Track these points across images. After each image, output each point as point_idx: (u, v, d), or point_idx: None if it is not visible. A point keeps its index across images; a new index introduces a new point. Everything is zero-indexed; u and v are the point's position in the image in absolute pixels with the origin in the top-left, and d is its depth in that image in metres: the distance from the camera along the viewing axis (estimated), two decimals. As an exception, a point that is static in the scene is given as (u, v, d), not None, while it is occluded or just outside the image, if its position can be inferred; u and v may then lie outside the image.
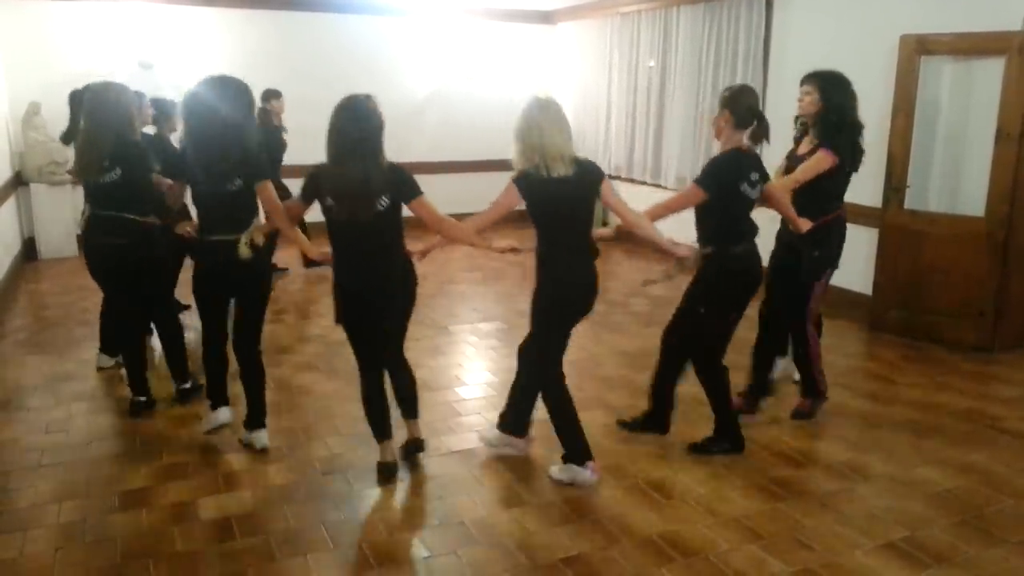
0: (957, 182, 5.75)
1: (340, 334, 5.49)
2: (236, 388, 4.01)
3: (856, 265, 6.34)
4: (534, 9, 10.25)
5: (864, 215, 6.16)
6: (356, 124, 3.27)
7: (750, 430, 4.15)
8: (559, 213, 3.40)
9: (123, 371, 4.57)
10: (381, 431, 3.62)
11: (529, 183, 3.34)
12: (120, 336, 4.60)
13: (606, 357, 5.30)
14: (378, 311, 3.49)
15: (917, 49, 5.49)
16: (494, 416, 4.31)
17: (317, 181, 3.37)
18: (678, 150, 8.33)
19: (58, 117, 7.82)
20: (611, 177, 9.57)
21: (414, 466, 3.75)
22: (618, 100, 9.36)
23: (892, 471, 3.75)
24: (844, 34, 6.34)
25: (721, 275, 3.73)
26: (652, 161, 8.83)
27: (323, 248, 3.54)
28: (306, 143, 8.61)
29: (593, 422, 4.24)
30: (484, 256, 8.21)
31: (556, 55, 10.56)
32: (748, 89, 3.90)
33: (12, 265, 7.15)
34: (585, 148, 10.12)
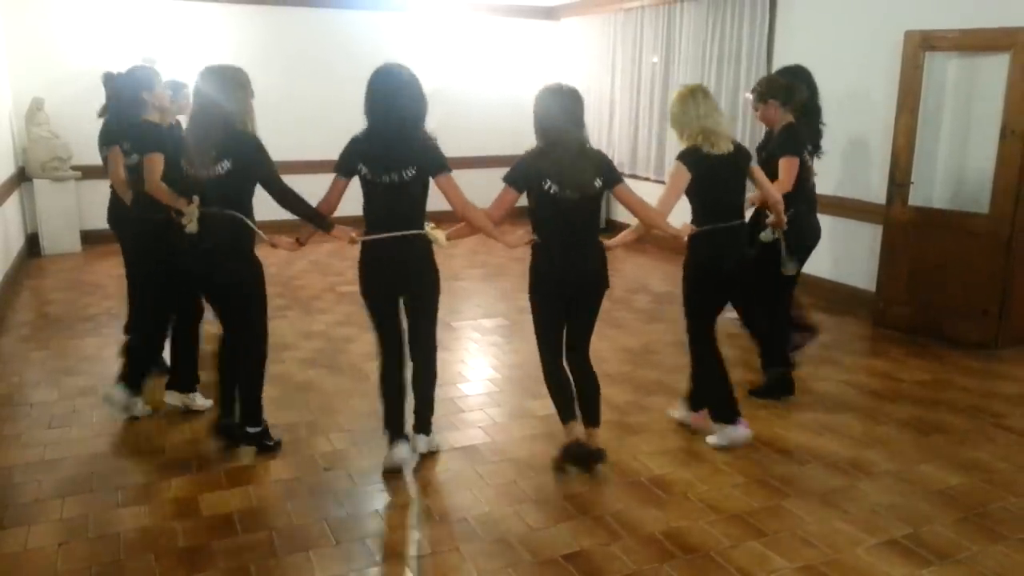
0: (961, 179, 5.73)
1: (344, 330, 5.51)
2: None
3: (860, 262, 6.34)
4: (538, 5, 10.24)
5: (868, 212, 6.16)
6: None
7: (752, 427, 4.15)
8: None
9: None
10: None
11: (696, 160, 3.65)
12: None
13: (609, 353, 5.29)
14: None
15: (921, 45, 5.47)
16: (496, 412, 4.32)
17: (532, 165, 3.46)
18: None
19: (61, 112, 7.90)
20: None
21: (416, 463, 3.75)
22: (622, 96, 9.35)
23: (895, 468, 3.74)
24: (848, 30, 6.32)
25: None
26: (655, 157, 8.82)
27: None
28: (313, 136, 8.65)
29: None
30: (487, 252, 8.20)
31: (560, 51, 10.54)
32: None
33: (15, 261, 7.16)
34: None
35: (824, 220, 6.38)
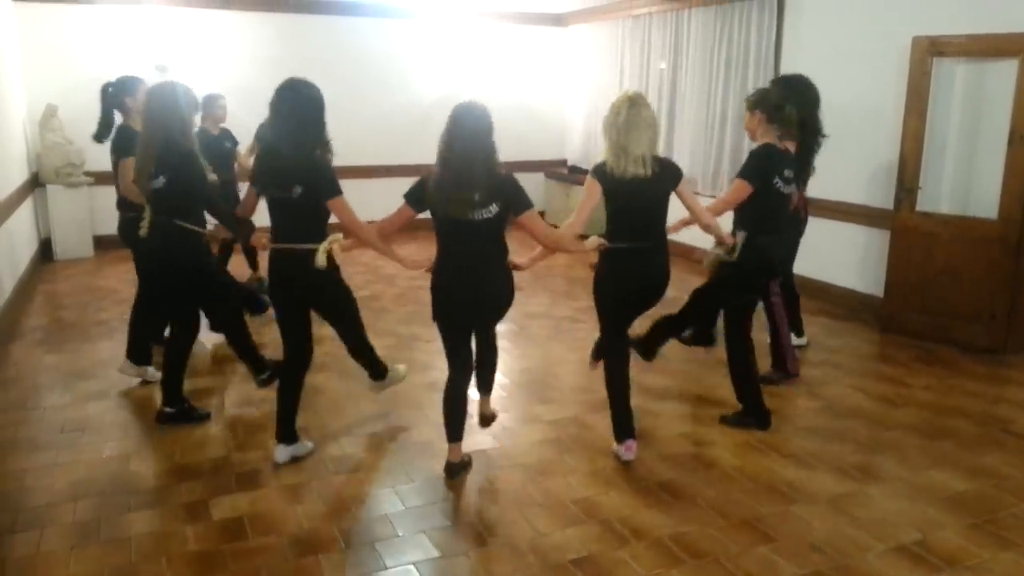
0: (969, 184, 5.72)
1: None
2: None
3: (868, 267, 6.34)
4: (546, 11, 10.27)
5: (876, 217, 6.15)
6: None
7: (761, 433, 4.16)
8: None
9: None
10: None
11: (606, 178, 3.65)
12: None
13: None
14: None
15: (929, 50, 5.47)
16: (505, 417, 4.34)
17: None
18: (689, 152, 8.32)
19: (75, 119, 7.97)
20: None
21: (423, 467, 3.77)
22: (630, 102, 9.35)
23: (903, 474, 3.74)
24: (856, 36, 6.32)
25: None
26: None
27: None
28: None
29: (602, 423, 4.25)
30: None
31: (568, 57, 10.57)
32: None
33: (28, 266, 7.22)
34: (598, 150, 10.14)
35: (832, 225, 6.45)
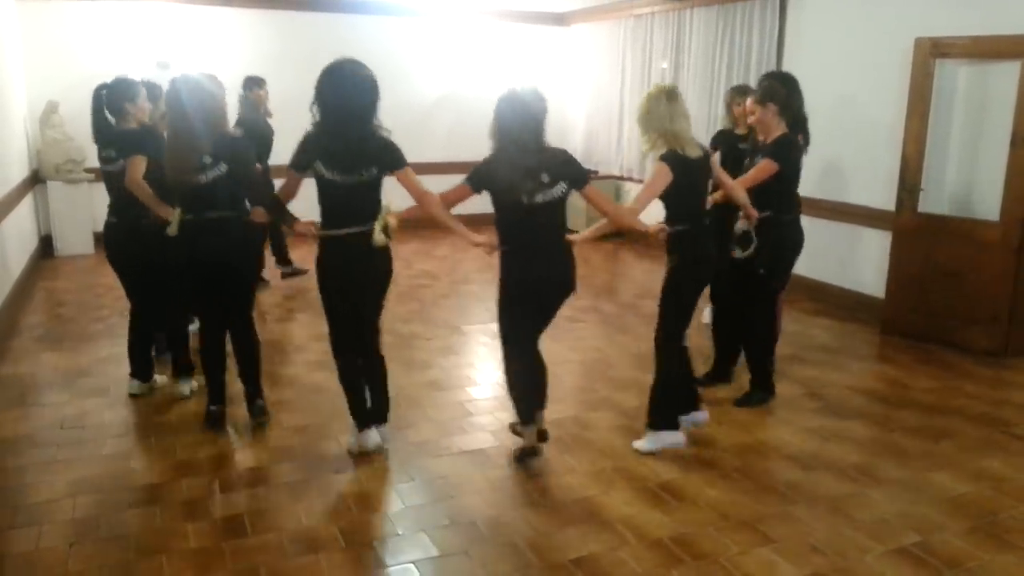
0: (971, 186, 5.72)
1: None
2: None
3: (869, 268, 6.33)
4: (547, 11, 10.26)
5: (877, 218, 6.15)
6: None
7: (761, 434, 4.16)
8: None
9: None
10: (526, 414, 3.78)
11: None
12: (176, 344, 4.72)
13: (617, 358, 5.30)
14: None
15: (932, 52, 5.46)
16: (505, 416, 4.33)
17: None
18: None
19: (76, 115, 7.93)
20: (623, 178, 9.59)
21: (423, 466, 3.77)
22: (631, 102, 9.34)
23: (904, 475, 3.73)
24: (858, 36, 6.32)
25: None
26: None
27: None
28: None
29: (602, 423, 4.26)
30: (495, 257, 8.22)
31: (569, 57, 10.57)
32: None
33: (29, 262, 7.22)
34: (598, 149, 10.13)
35: (833, 226, 6.44)
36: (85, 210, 8.17)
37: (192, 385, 4.56)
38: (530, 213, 3.46)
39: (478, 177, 3.52)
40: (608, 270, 7.97)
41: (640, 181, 9.10)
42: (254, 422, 4.14)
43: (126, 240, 4.36)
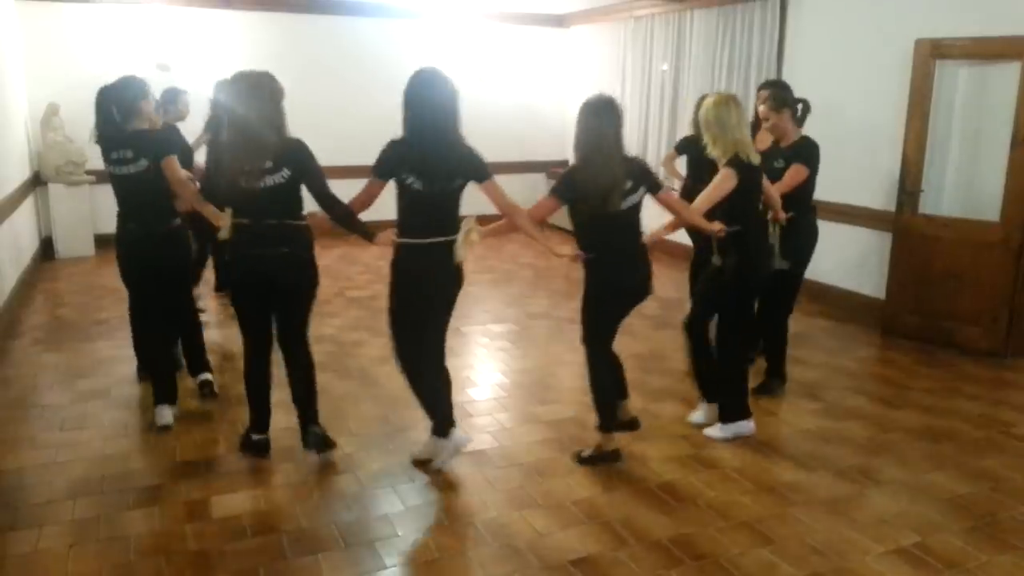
0: (972, 187, 5.72)
1: (353, 334, 5.54)
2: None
3: (869, 269, 6.33)
4: (548, 12, 10.26)
5: (878, 219, 6.15)
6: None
7: (761, 434, 4.16)
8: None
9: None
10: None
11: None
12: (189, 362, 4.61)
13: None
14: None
15: (932, 53, 5.47)
16: (505, 417, 4.34)
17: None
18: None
19: (77, 118, 7.96)
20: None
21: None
22: (631, 104, 9.34)
23: (903, 476, 3.73)
24: (858, 38, 6.32)
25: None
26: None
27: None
28: (326, 142, 8.71)
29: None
30: (495, 258, 8.23)
31: (569, 58, 10.57)
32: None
33: (29, 264, 7.22)
34: (598, 151, 10.13)
35: (834, 227, 6.44)
36: (86, 212, 8.18)
37: (175, 412, 4.24)
38: (616, 220, 3.55)
39: (566, 188, 3.56)
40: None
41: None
42: (319, 455, 3.80)
43: (156, 249, 4.11)
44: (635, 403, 4.53)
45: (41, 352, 5.34)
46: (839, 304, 6.52)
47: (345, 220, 3.55)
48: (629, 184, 3.50)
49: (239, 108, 3.44)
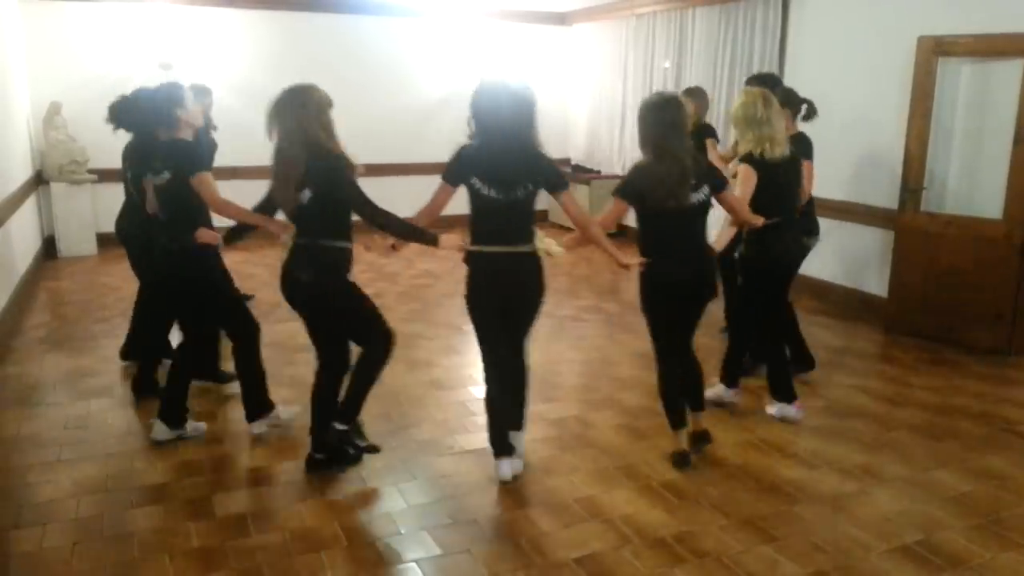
0: (974, 184, 5.71)
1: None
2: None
3: (872, 267, 6.33)
4: (549, 10, 10.26)
5: (880, 217, 6.14)
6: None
7: (763, 432, 4.16)
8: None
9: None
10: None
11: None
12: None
13: (620, 357, 5.30)
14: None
15: (934, 50, 5.46)
16: (507, 416, 4.33)
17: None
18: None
19: (79, 117, 7.98)
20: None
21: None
22: (633, 101, 9.34)
23: (907, 474, 3.73)
24: (860, 35, 6.31)
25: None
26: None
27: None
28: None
29: (604, 422, 4.26)
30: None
31: (571, 56, 10.57)
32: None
33: (32, 263, 7.23)
34: (600, 149, 10.14)
35: (836, 225, 6.44)
36: (88, 211, 8.20)
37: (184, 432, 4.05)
38: (680, 217, 3.56)
39: (632, 189, 3.58)
40: (611, 269, 7.94)
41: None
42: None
43: (198, 267, 3.89)
44: (637, 400, 4.55)
45: (44, 351, 5.34)
46: (842, 302, 6.52)
47: (403, 233, 3.45)
48: (694, 182, 3.52)
49: (283, 121, 3.35)
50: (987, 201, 5.47)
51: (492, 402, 3.61)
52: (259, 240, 5.74)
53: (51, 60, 8.20)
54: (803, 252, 4.61)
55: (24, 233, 7.06)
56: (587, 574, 2.93)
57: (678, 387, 3.83)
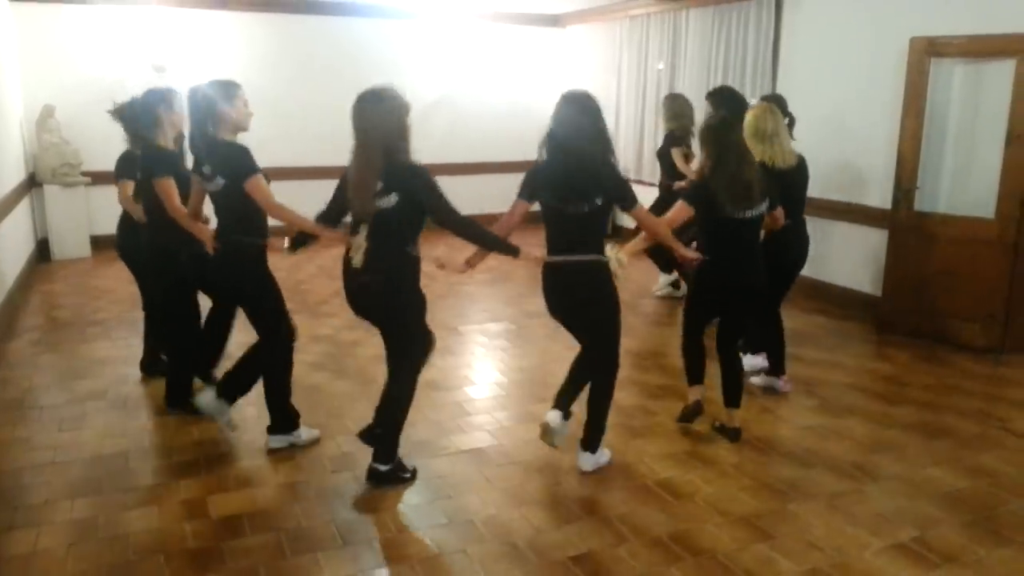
0: (967, 184, 5.73)
1: (351, 334, 5.53)
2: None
3: (866, 266, 6.35)
4: (543, 12, 10.27)
5: (874, 217, 6.16)
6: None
7: (759, 431, 4.17)
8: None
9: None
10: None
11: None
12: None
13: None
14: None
15: (927, 51, 5.48)
16: (503, 415, 4.34)
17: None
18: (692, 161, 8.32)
19: (72, 119, 7.97)
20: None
21: (424, 466, 3.77)
22: (627, 103, 9.38)
23: (901, 471, 3.74)
24: (854, 36, 6.33)
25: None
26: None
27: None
28: (322, 143, 8.71)
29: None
30: (493, 257, 8.22)
31: (565, 58, 10.58)
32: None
33: (25, 266, 7.21)
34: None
35: (830, 225, 6.47)
36: (82, 214, 8.18)
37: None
38: (742, 225, 3.82)
39: (701, 194, 3.80)
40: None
41: (637, 181, 9.10)
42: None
43: (253, 271, 3.81)
44: (632, 399, 4.55)
45: (38, 353, 5.33)
46: (836, 301, 6.54)
47: (486, 243, 3.46)
48: (755, 193, 3.77)
49: (360, 124, 3.31)
50: (980, 201, 5.49)
51: (574, 364, 3.78)
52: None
53: (44, 63, 8.18)
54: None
55: (17, 236, 7.04)
56: (583, 573, 2.93)
57: (700, 351, 4.13)
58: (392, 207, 3.28)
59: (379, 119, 3.28)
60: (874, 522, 3.29)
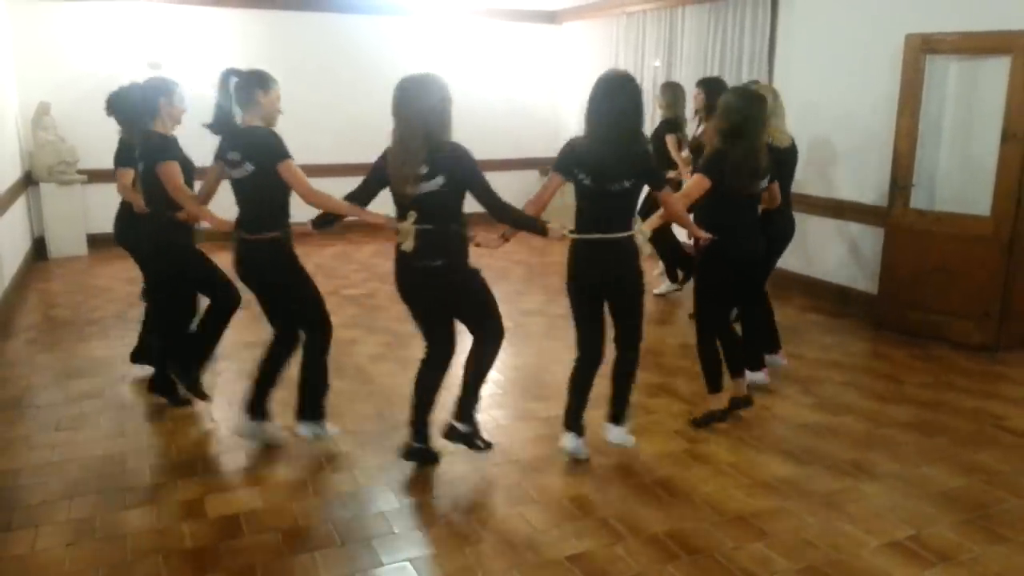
0: (963, 181, 5.74)
1: (348, 333, 5.53)
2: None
3: (862, 264, 6.36)
4: (539, 9, 10.27)
5: (870, 214, 6.18)
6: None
7: (755, 429, 4.18)
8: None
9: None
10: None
11: None
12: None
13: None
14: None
15: (922, 48, 5.49)
16: (501, 414, 4.35)
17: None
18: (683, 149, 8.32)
19: (68, 117, 7.95)
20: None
21: (423, 464, 3.77)
22: (624, 99, 9.35)
23: (897, 470, 3.76)
24: (849, 33, 6.34)
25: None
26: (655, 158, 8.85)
27: None
28: (319, 139, 8.71)
29: (597, 420, 4.25)
30: (489, 255, 8.22)
31: (561, 55, 10.58)
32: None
33: (22, 264, 7.20)
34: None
35: (826, 222, 6.48)
36: (78, 211, 8.17)
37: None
38: (751, 199, 4.05)
39: (718, 168, 3.89)
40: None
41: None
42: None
43: (286, 260, 3.79)
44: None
45: (35, 352, 5.32)
46: (831, 299, 6.55)
47: (518, 221, 3.55)
48: (762, 171, 3.94)
49: (403, 110, 3.41)
50: (975, 198, 5.51)
51: (574, 378, 3.82)
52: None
53: (39, 60, 8.16)
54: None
55: (14, 234, 7.03)
56: (580, 571, 2.94)
57: (718, 351, 4.19)
58: (438, 189, 3.34)
59: (421, 104, 3.39)
60: (870, 520, 3.30)
